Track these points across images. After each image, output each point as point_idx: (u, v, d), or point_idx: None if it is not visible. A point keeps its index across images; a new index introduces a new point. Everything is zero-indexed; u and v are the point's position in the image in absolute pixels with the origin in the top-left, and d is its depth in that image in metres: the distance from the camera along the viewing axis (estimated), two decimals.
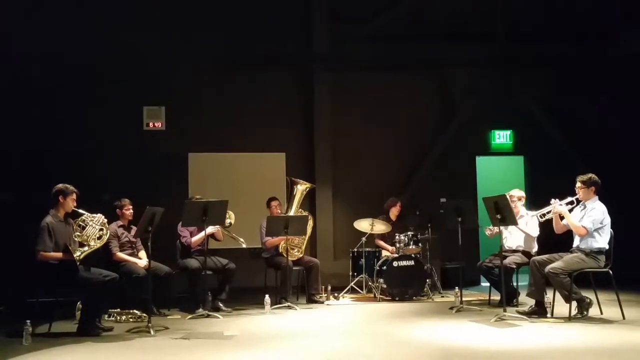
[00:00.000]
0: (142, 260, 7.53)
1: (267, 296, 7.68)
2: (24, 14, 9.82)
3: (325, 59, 10.82)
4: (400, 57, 10.91)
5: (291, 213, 8.46)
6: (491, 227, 7.54)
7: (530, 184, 11.05)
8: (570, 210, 6.83)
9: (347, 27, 10.90)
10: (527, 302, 7.24)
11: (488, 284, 7.97)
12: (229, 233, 7.95)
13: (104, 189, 8.92)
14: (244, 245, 7.90)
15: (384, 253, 8.86)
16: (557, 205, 6.81)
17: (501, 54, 11.13)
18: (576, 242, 6.77)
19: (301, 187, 8.65)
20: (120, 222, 7.63)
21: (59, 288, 6.51)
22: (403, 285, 8.36)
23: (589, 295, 6.73)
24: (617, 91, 11.13)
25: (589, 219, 6.61)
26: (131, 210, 7.68)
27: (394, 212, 9.15)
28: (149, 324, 6.43)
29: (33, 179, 9.12)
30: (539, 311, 6.82)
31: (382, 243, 9.05)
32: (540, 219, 7.14)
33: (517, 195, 7.76)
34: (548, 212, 6.95)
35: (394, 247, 8.78)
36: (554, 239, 7.15)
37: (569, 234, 6.89)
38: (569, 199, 6.84)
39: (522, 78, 11.17)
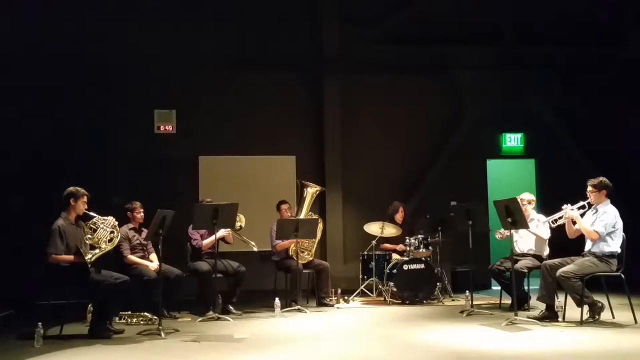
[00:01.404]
0: (153, 263, 7.55)
1: (277, 299, 7.67)
2: (33, 15, 9.86)
3: (335, 61, 10.83)
4: (410, 59, 10.89)
5: (301, 216, 8.46)
6: (502, 230, 7.52)
7: (541, 187, 11.00)
8: (582, 215, 6.79)
9: (357, 29, 10.91)
10: (538, 306, 7.21)
11: (499, 288, 7.93)
12: (240, 236, 7.96)
13: (115, 191, 8.96)
14: (255, 249, 7.89)
15: (395, 256, 8.84)
16: (569, 210, 6.77)
17: (511, 57, 11.09)
18: (588, 245, 6.74)
19: (311, 190, 8.65)
20: (131, 225, 7.66)
21: (70, 290, 6.54)
22: (413, 289, 8.34)
23: (600, 299, 6.69)
24: (628, 94, 11.07)
25: (601, 223, 6.58)
26: (142, 214, 7.71)
27: (398, 217, 9.14)
28: (160, 327, 6.45)
29: (43, 182, 9.17)
30: (550, 315, 6.79)
31: (388, 245, 9.03)
32: (553, 225, 7.10)
33: (527, 198, 7.71)
34: (560, 218, 6.92)
35: (401, 245, 8.77)
36: (565, 243, 7.11)
37: (580, 238, 6.85)
38: (581, 203, 6.80)
39: (532, 81, 11.13)
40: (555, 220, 7.01)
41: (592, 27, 11.25)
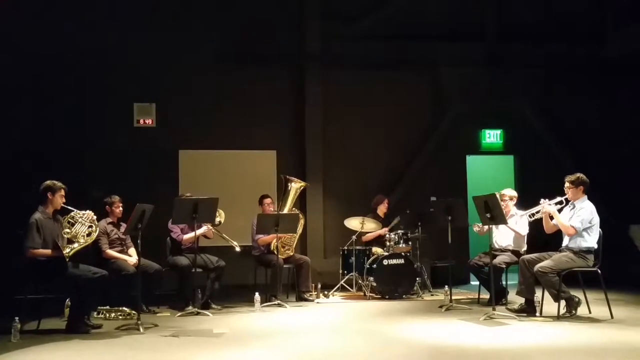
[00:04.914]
0: (131, 257, 7.51)
1: (257, 294, 7.67)
2: (13, 10, 9.73)
3: (316, 57, 10.81)
4: (391, 56, 10.92)
5: (285, 211, 8.44)
6: (479, 224, 7.58)
7: (520, 183, 11.08)
8: (560, 210, 6.86)
9: (339, 25, 10.89)
10: (516, 300, 7.28)
11: (477, 283, 7.99)
12: (219, 233, 7.92)
13: (94, 185, 8.88)
14: (237, 249, 7.80)
15: (375, 251, 8.85)
16: (546, 205, 6.84)
17: (492, 54, 11.17)
18: (565, 241, 6.81)
19: (296, 185, 8.64)
20: (109, 219, 7.61)
21: (48, 285, 6.48)
22: (393, 284, 8.38)
23: (577, 294, 6.77)
24: (607, 91, 11.21)
25: (578, 219, 6.64)
26: (121, 208, 7.65)
27: (381, 210, 9.18)
28: (138, 322, 6.41)
29: (21, 176, 9.06)
30: (528, 310, 6.86)
31: (370, 235, 9.01)
32: (530, 219, 7.17)
33: (509, 194, 7.79)
34: (537, 212, 6.99)
35: (385, 229, 8.78)
36: (543, 238, 7.18)
37: (558, 233, 6.92)
38: (558, 198, 6.87)
39: (512, 78, 11.20)
40: (533, 215, 7.07)
41: (574, 26, 11.33)
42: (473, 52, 11.17)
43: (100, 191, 8.07)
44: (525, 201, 7.70)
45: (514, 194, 7.88)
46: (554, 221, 6.84)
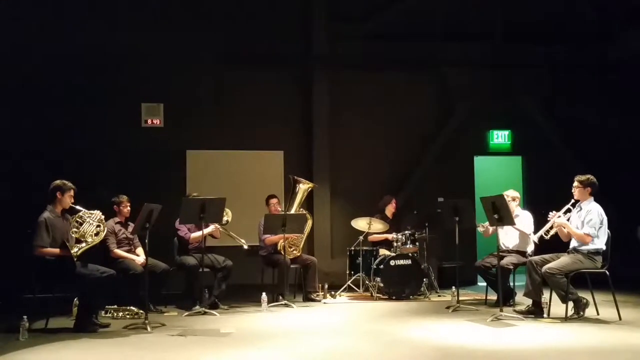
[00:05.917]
0: (139, 257, 7.53)
1: (264, 294, 7.68)
2: (19, 9, 9.78)
3: (324, 58, 10.82)
4: (398, 56, 10.91)
5: (292, 212, 8.45)
6: (484, 224, 7.56)
7: (528, 184, 11.06)
8: (568, 219, 6.82)
9: (346, 26, 10.91)
10: (523, 302, 7.26)
11: (485, 284, 7.97)
12: (227, 231, 7.94)
13: (102, 185, 8.91)
14: (245, 247, 7.85)
15: (382, 252, 8.84)
16: (556, 219, 6.79)
17: (500, 54, 11.14)
18: (573, 243, 6.79)
19: (304, 187, 8.64)
20: (117, 219, 7.64)
21: (56, 284, 6.51)
22: (400, 284, 8.37)
23: (585, 295, 6.74)
24: (615, 92, 11.16)
25: (589, 224, 6.60)
26: (129, 208, 7.69)
27: (390, 210, 9.15)
28: (146, 321, 6.43)
29: (30, 176, 9.10)
30: (536, 311, 6.84)
31: (377, 236, 8.99)
32: (546, 236, 7.04)
33: (511, 195, 7.77)
34: (551, 228, 6.91)
35: (393, 235, 8.73)
36: (551, 240, 7.14)
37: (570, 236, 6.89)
38: (565, 207, 6.82)
39: (520, 78, 11.18)
40: (547, 232, 6.94)
41: (582, 26, 11.31)
42: (481, 52, 11.14)
43: (108, 191, 8.10)
44: (533, 202, 7.68)
45: (516, 194, 7.86)
46: (566, 230, 6.79)
